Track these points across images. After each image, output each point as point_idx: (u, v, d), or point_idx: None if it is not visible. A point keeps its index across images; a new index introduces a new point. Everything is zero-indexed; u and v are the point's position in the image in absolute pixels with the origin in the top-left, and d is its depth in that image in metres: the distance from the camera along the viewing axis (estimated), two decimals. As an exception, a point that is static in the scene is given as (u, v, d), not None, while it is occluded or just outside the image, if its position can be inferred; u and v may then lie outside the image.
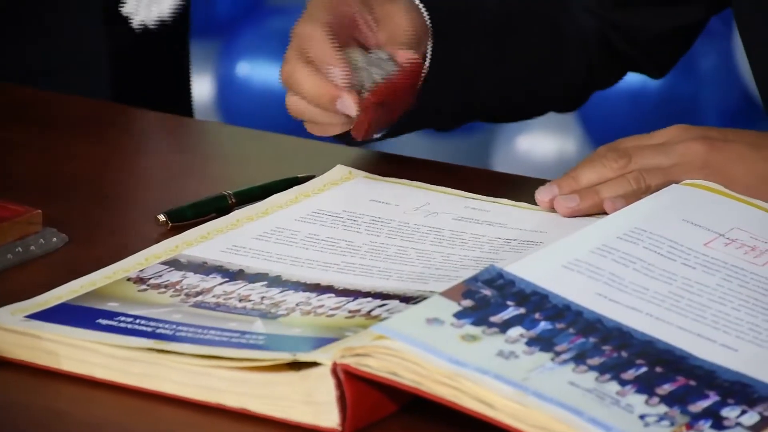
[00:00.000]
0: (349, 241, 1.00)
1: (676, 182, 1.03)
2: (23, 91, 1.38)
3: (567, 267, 0.88)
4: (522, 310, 0.82)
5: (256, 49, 2.99)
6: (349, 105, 1.06)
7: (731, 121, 2.74)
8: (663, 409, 0.75)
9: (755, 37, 1.26)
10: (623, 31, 1.29)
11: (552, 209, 1.04)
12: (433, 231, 1.01)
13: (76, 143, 1.23)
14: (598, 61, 1.31)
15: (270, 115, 2.18)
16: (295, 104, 1.11)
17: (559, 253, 0.90)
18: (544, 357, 0.78)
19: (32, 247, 0.98)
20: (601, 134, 2.77)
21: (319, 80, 1.08)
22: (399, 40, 1.14)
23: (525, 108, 1.34)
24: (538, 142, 2.89)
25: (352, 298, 0.89)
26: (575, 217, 1.02)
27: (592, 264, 0.88)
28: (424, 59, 1.16)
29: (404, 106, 1.14)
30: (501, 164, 2.94)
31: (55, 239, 1.00)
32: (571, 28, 1.28)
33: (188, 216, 1.04)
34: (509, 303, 0.82)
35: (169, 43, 1.82)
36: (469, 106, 1.28)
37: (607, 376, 0.77)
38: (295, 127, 1.19)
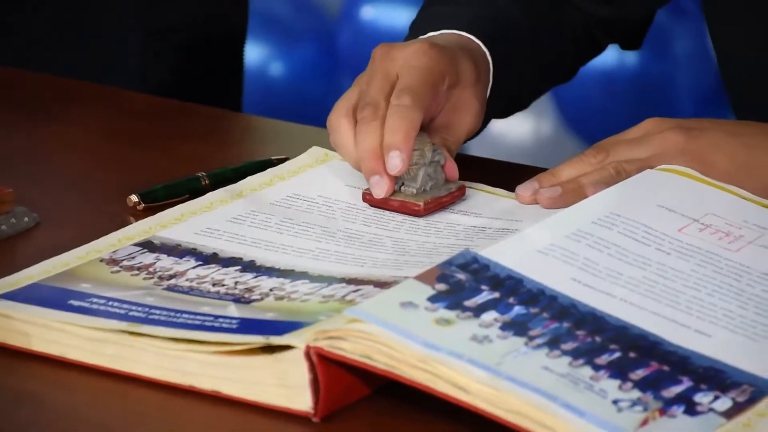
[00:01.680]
0: (324, 227, 1.00)
1: (649, 171, 1.04)
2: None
3: (542, 252, 0.88)
4: (496, 295, 0.82)
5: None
6: (380, 189, 1.02)
7: (704, 103, 2.77)
8: (636, 394, 0.75)
9: (723, 33, 1.30)
10: (606, 23, 1.31)
11: (533, 204, 1.04)
12: (409, 219, 1.02)
13: (48, 124, 1.24)
14: (584, 47, 1.35)
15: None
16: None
17: (534, 238, 0.91)
18: (518, 341, 0.79)
19: (3, 226, 0.99)
20: (575, 115, 2.80)
21: (371, 144, 1.04)
22: (457, 136, 1.13)
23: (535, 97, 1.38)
24: (513, 125, 2.90)
25: (326, 284, 0.90)
26: (556, 208, 1.02)
27: (567, 249, 0.89)
28: (486, 89, 1.15)
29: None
30: (475, 148, 2.94)
31: (26, 219, 1.00)
32: (567, 24, 1.31)
33: (161, 197, 1.05)
34: (483, 287, 0.83)
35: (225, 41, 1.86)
36: (509, 110, 1.33)
37: (581, 361, 0.77)
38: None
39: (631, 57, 2.64)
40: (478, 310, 0.81)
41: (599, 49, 1.36)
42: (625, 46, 1.39)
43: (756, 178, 1.06)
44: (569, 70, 1.36)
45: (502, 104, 1.23)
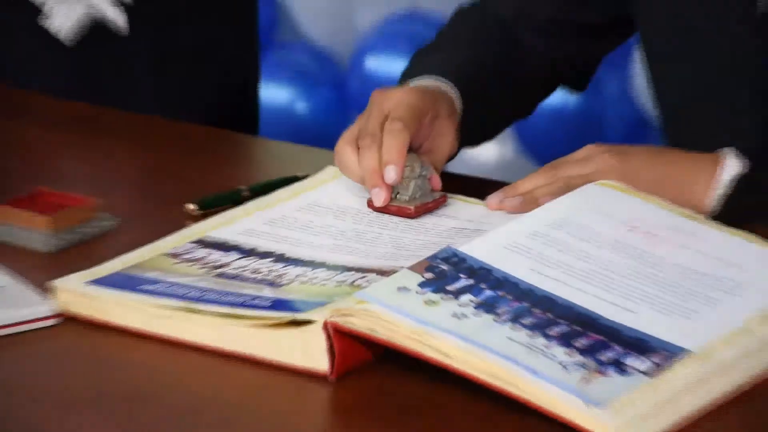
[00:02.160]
0: (338, 228, 0.96)
1: (592, 184, 1.00)
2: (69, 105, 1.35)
3: (507, 248, 0.83)
4: (471, 281, 0.78)
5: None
6: (379, 198, 0.96)
7: (628, 133, 2.74)
8: (579, 358, 0.71)
9: (658, 60, 1.16)
10: (569, 60, 1.23)
11: (499, 210, 1.01)
12: (403, 221, 0.98)
13: (116, 150, 1.20)
14: (541, 89, 1.28)
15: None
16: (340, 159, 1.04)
17: (500, 237, 0.85)
18: (489, 318, 0.75)
19: (91, 229, 0.96)
20: (532, 142, 2.74)
21: (371, 164, 1.01)
22: (439, 158, 1.07)
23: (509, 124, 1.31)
24: (482, 149, 2.86)
25: (339, 272, 0.87)
26: (518, 213, 0.98)
27: (527, 246, 0.84)
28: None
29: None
30: (453, 167, 2.89)
31: (108, 222, 0.97)
32: (527, 70, 1.24)
33: (211, 205, 1.01)
34: (461, 276, 0.79)
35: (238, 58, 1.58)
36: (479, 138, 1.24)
37: (537, 333, 0.73)
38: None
39: (573, 97, 2.60)
40: (457, 294, 0.77)
41: (552, 91, 1.28)
42: (572, 89, 1.31)
43: (672, 190, 0.99)
44: (529, 107, 1.29)
45: (472, 134, 1.18)
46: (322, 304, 0.78)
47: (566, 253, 0.83)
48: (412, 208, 0.97)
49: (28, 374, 0.79)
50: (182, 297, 0.81)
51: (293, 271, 0.86)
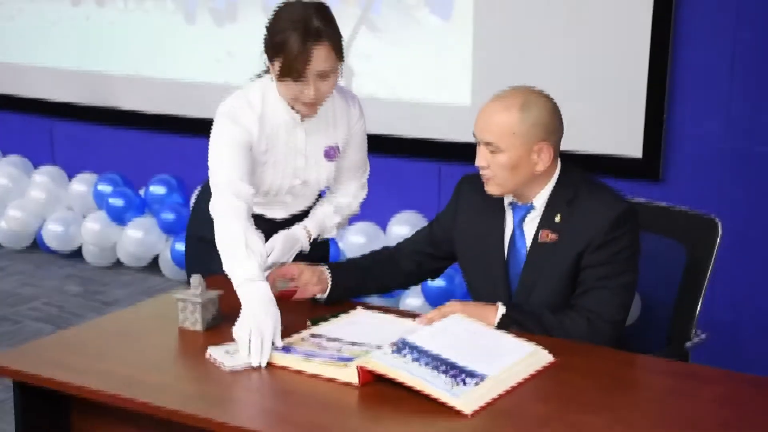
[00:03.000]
0: (360, 332, 1.70)
1: (455, 314, 1.76)
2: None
3: (423, 336, 1.62)
4: (409, 349, 1.57)
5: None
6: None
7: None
8: (449, 378, 1.49)
9: (466, 270, 2.03)
10: (423, 270, 2.05)
11: (420, 323, 1.75)
12: (385, 329, 1.71)
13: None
14: (412, 279, 2.08)
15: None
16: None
17: (421, 333, 1.64)
18: (415, 362, 1.53)
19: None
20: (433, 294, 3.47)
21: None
22: (308, 289, 1.88)
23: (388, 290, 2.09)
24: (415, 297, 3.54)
25: (365, 348, 1.59)
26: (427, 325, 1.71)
27: (430, 336, 1.63)
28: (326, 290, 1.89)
29: (290, 295, 1.85)
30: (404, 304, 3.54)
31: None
32: (403, 265, 2.05)
33: (320, 321, 1.78)
34: (406, 347, 1.58)
35: None
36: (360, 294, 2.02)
37: (433, 368, 1.51)
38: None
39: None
40: (404, 353, 1.54)
41: (413, 282, 2.13)
42: (431, 278, 2.15)
43: (481, 317, 1.78)
44: (397, 286, 2.07)
45: (341, 295, 1.94)
46: (355, 358, 1.53)
47: (446, 338, 1.63)
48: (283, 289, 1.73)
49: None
50: (309, 354, 1.56)
51: (346, 345, 1.63)
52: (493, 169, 1.78)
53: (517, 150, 1.76)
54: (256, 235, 1.83)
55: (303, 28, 1.83)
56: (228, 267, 1.79)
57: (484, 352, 1.61)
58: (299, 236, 2.04)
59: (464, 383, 1.49)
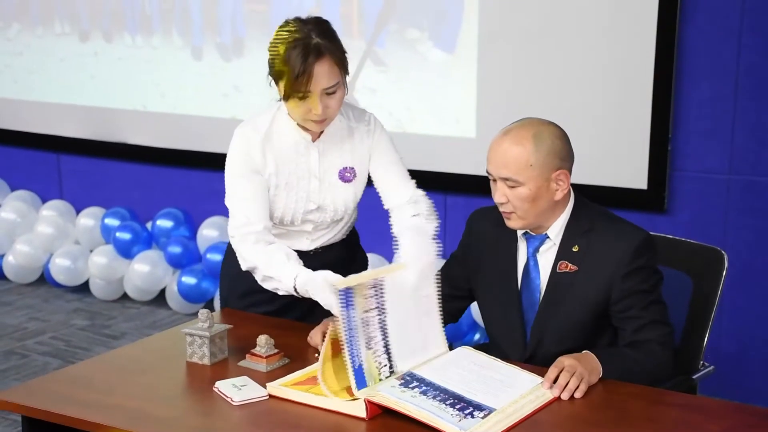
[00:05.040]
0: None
1: (463, 347, 1.76)
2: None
3: (431, 370, 1.64)
4: (416, 382, 1.59)
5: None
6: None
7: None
8: (456, 411, 1.50)
9: (484, 308, 2.00)
10: (445, 311, 1.89)
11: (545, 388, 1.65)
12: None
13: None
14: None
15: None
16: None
17: (430, 366, 1.66)
18: (422, 396, 1.55)
19: (281, 363, 1.72)
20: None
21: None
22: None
23: None
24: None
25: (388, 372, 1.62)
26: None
27: (438, 369, 1.64)
28: None
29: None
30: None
31: (283, 361, 1.76)
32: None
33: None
34: (414, 380, 1.60)
35: None
36: None
37: (440, 401, 1.52)
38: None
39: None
40: (411, 386, 1.57)
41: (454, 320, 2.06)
42: (452, 322, 2.02)
43: (588, 366, 1.70)
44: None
45: None
46: (367, 384, 1.53)
47: (458, 372, 1.64)
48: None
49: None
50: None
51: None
52: (514, 204, 1.78)
53: (535, 181, 1.77)
54: (279, 244, 1.88)
55: (303, 45, 1.82)
56: (272, 284, 1.85)
57: (492, 385, 1.63)
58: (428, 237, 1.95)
59: (472, 416, 1.50)
